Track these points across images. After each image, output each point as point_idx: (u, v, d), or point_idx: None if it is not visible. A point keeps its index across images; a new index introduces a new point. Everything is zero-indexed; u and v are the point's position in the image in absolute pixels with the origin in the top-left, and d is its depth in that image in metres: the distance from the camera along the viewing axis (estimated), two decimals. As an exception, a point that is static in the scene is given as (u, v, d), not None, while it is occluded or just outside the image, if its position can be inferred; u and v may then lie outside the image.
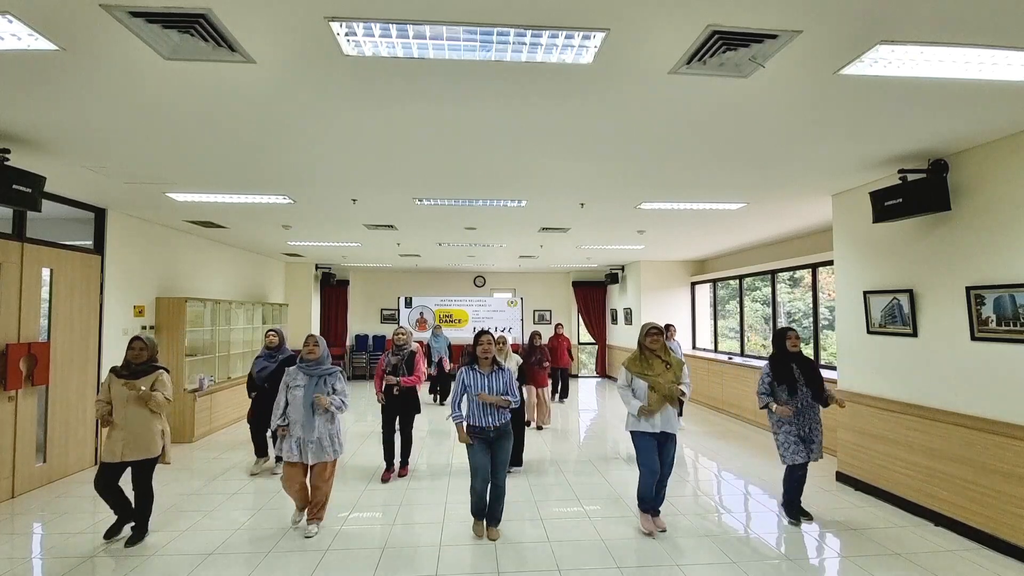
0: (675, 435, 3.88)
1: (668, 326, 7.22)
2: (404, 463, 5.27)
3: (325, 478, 3.87)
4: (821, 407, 4.03)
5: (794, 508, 4.09)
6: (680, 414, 5.34)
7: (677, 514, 4.23)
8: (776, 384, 4.03)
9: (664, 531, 3.89)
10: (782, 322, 8.79)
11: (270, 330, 5.29)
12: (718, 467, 5.62)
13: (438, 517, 4.19)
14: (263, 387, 5.17)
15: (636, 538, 3.81)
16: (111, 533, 3.75)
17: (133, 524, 3.77)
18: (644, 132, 3.43)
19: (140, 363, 3.75)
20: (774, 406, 3.99)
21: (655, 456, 3.82)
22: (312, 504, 3.91)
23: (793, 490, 4.07)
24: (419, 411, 5.25)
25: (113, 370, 3.76)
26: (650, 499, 3.89)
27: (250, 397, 5.32)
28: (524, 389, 5.92)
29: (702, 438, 6.91)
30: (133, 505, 3.76)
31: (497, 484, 3.79)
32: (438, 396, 9.54)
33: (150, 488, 3.76)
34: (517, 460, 5.37)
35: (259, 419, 5.23)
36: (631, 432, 3.87)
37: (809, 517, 4.10)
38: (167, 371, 3.87)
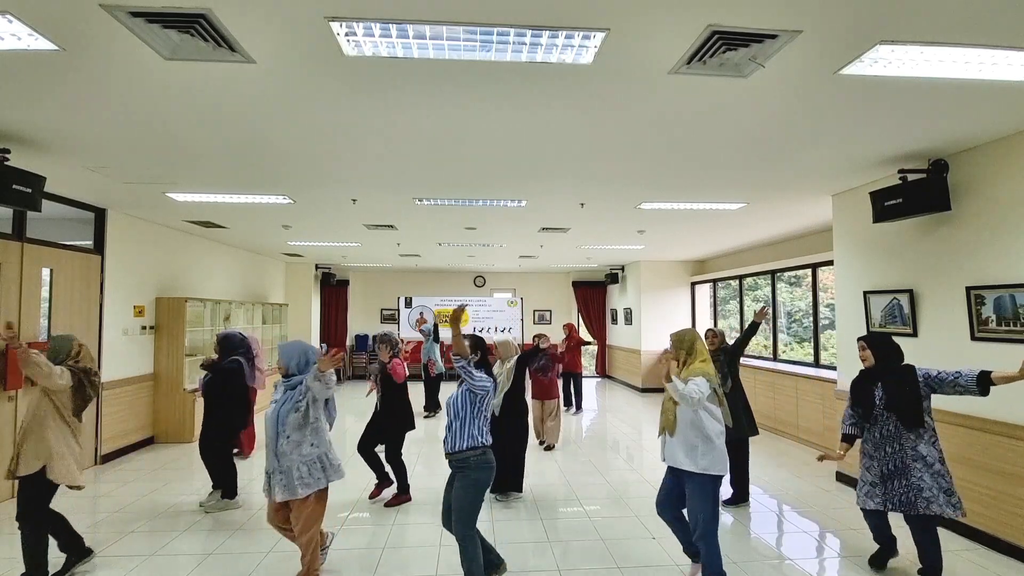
0: (695, 475, 2.92)
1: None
2: (403, 488, 4.52)
3: (301, 520, 3.01)
4: (920, 439, 3.03)
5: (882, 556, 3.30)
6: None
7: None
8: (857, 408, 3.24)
9: None
10: (782, 322, 8.77)
11: (218, 335, 4.44)
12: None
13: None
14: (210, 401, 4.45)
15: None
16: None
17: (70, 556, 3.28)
18: (644, 132, 3.43)
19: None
20: (836, 450, 3.20)
21: (665, 493, 3.16)
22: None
23: (876, 538, 3.28)
24: (411, 427, 4.54)
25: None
26: (685, 543, 3.23)
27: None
28: (529, 402, 4.97)
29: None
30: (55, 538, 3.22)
31: (454, 535, 2.93)
32: (430, 411, 8.33)
33: (46, 513, 3.14)
34: (516, 485, 4.65)
35: (206, 439, 4.44)
36: None
37: None
38: (73, 368, 3.18)
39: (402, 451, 4.57)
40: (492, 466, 2.99)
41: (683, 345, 3.12)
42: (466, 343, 3.05)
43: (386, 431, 4.54)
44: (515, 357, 4.71)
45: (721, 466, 2.96)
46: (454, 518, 2.90)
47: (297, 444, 2.97)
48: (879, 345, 3.19)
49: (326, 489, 3.09)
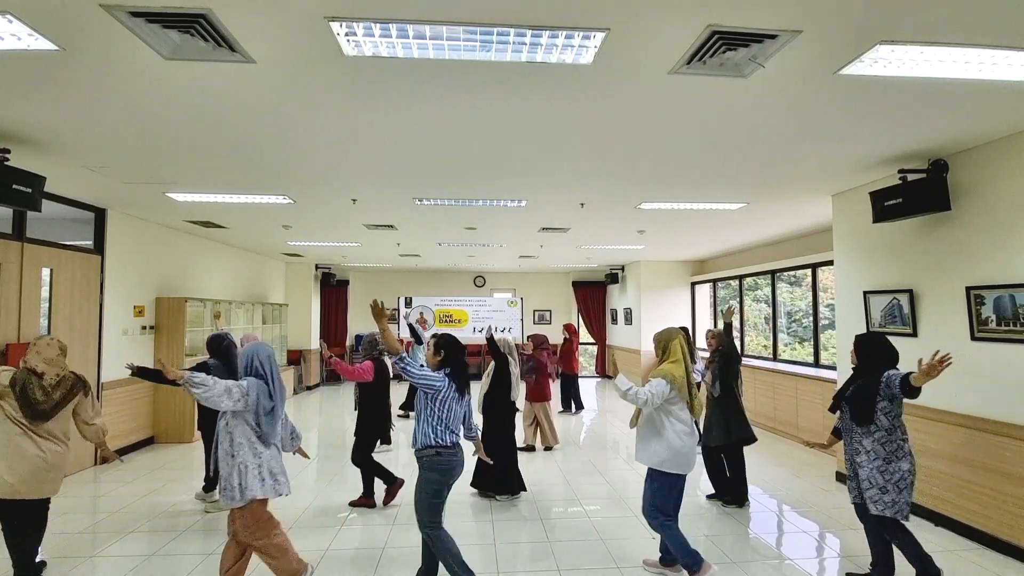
0: (650, 470, 3.13)
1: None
2: (387, 481, 4.47)
3: (247, 532, 2.81)
4: (866, 435, 2.97)
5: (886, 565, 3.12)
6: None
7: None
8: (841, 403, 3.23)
9: None
10: (783, 322, 8.78)
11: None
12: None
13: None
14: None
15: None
16: None
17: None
18: (644, 132, 3.43)
19: None
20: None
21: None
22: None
23: (870, 540, 3.16)
24: (382, 433, 4.54)
25: None
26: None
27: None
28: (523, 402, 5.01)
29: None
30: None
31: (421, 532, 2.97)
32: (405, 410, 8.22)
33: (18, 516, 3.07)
34: (509, 488, 4.57)
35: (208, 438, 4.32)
36: None
37: None
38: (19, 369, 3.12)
39: (371, 454, 4.47)
40: (447, 468, 2.92)
41: (659, 345, 3.23)
42: (431, 342, 3.08)
43: (362, 431, 4.51)
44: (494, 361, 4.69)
45: (674, 464, 3.03)
46: (416, 514, 2.95)
47: (227, 453, 2.78)
48: (861, 346, 3.17)
49: (262, 502, 2.80)
